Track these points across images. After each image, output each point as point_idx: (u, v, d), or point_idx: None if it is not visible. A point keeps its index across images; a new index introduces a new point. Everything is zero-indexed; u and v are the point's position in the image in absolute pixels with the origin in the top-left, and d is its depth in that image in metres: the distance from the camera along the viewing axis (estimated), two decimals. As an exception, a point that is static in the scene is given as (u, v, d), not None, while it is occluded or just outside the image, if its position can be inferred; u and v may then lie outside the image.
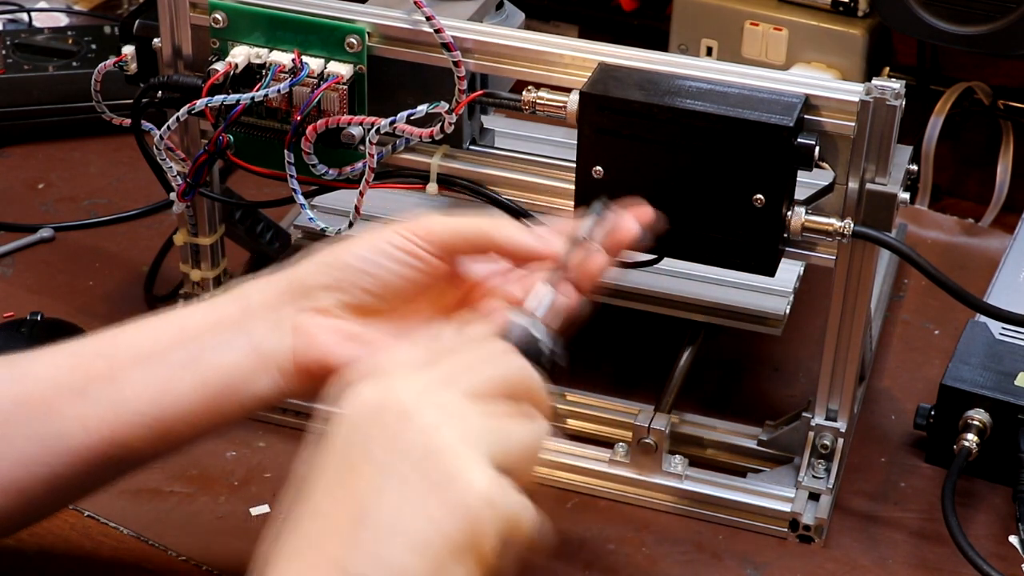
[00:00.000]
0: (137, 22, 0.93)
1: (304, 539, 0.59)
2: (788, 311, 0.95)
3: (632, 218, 0.75)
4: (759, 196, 0.80)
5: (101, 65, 0.93)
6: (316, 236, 0.96)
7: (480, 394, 0.62)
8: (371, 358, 0.65)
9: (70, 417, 0.73)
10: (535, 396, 0.65)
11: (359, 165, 0.88)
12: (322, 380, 0.73)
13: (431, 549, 0.58)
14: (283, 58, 0.87)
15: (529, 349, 0.67)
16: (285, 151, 0.88)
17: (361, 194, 0.88)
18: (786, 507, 0.90)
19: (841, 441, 0.90)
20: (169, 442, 0.75)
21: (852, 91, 0.81)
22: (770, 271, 0.83)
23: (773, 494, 0.90)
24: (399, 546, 0.58)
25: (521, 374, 0.65)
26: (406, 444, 0.60)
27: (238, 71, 0.88)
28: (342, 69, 0.87)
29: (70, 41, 1.32)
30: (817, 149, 0.80)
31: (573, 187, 0.84)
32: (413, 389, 0.62)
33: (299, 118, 0.87)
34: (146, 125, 0.92)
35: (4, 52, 1.30)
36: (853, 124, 0.80)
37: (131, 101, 0.92)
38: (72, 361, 0.75)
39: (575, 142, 0.83)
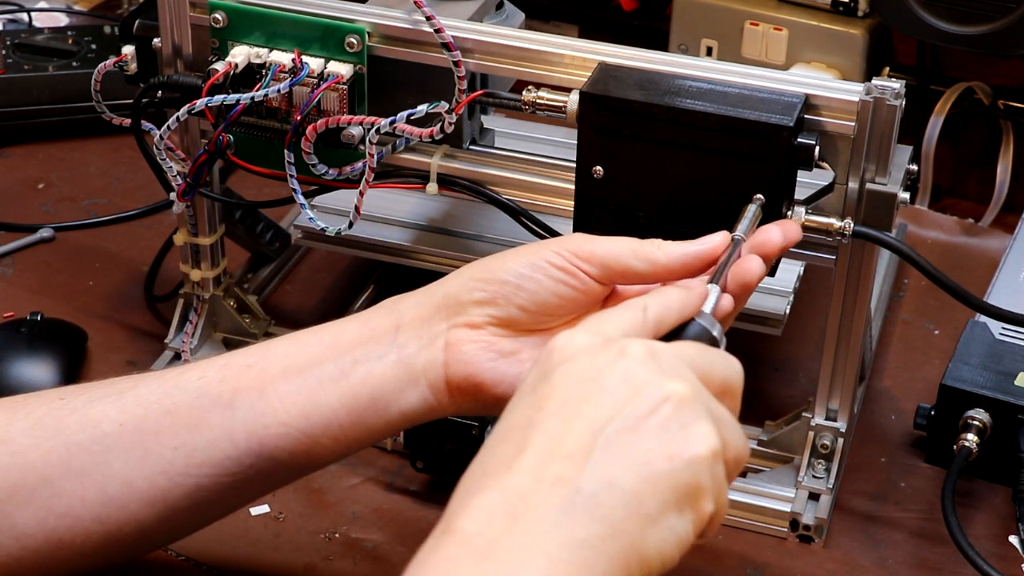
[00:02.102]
0: (137, 22, 0.93)
1: (532, 456, 0.59)
2: (788, 311, 0.95)
3: (778, 231, 0.76)
4: (759, 196, 0.80)
5: (101, 65, 0.93)
6: (316, 236, 0.97)
7: (706, 379, 0.63)
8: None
9: (217, 429, 0.73)
10: (738, 407, 0.66)
11: (359, 165, 0.88)
12: (471, 396, 0.74)
13: (661, 484, 0.59)
14: (283, 58, 0.87)
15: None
16: (285, 151, 0.88)
17: (361, 194, 0.88)
18: (786, 507, 0.90)
19: (841, 441, 0.90)
20: (314, 456, 0.74)
21: (852, 91, 0.81)
22: (770, 271, 0.83)
23: (773, 494, 0.90)
24: (633, 473, 0.59)
25: (738, 378, 0.66)
26: (642, 384, 0.61)
27: (238, 71, 0.88)
28: (342, 69, 0.87)
29: (70, 41, 1.32)
30: (817, 149, 0.80)
31: (573, 187, 0.84)
32: (642, 344, 0.63)
33: (299, 118, 0.87)
34: (146, 125, 0.92)
35: (4, 52, 1.30)
36: (853, 124, 0.81)
37: (131, 101, 0.92)
38: (221, 373, 0.74)
39: (575, 142, 0.83)
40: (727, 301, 0.73)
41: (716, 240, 0.74)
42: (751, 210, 0.77)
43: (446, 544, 0.58)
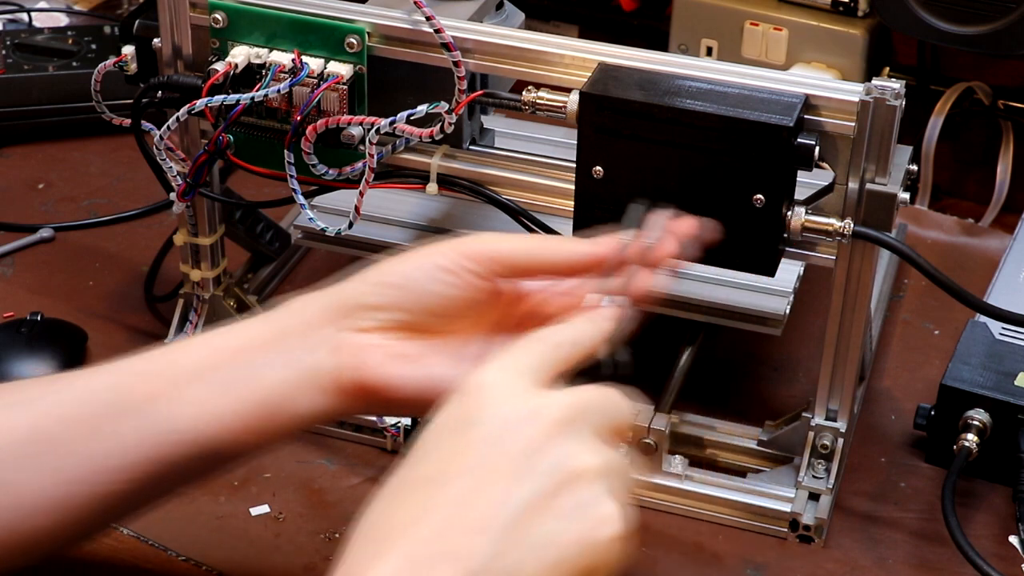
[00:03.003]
0: (137, 22, 0.93)
1: (431, 525, 0.58)
2: (788, 311, 0.95)
3: (672, 238, 0.75)
4: (759, 196, 0.80)
5: (101, 65, 0.93)
6: (316, 236, 0.97)
7: (603, 432, 0.63)
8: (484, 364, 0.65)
9: (118, 435, 0.73)
10: (627, 438, 0.66)
11: (359, 165, 0.88)
12: (363, 399, 0.74)
13: (562, 569, 0.58)
14: (283, 58, 0.87)
15: (593, 368, 0.68)
16: (285, 151, 0.88)
17: (361, 194, 0.88)
18: (786, 507, 0.90)
19: (841, 441, 0.90)
20: (212, 462, 0.74)
21: (852, 91, 0.81)
22: (770, 271, 0.83)
23: (773, 494, 0.90)
24: (536, 560, 0.58)
25: (630, 419, 0.66)
26: (554, 460, 0.60)
27: (238, 71, 0.88)
28: (342, 69, 0.87)
29: (70, 41, 1.32)
30: (817, 149, 0.80)
31: (573, 187, 0.84)
32: (558, 404, 0.62)
33: (299, 118, 0.87)
34: (146, 125, 0.92)
35: (4, 52, 1.30)
36: (853, 124, 0.80)
37: (131, 101, 0.92)
38: (116, 380, 0.74)
39: (575, 142, 0.83)
40: (628, 310, 0.72)
41: (607, 244, 0.74)
42: (636, 210, 0.76)
43: None
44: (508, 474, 0.59)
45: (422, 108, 0.86)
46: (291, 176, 0.88)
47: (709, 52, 1.24)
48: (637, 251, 0.73)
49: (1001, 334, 0.97)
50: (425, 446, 0.62)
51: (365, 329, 0.74)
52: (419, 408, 0.72)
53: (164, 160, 0.91)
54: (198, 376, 0.74)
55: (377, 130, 0.86)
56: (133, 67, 0.94)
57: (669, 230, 0.75)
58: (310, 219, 0.89)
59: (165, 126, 0.89)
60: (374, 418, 0.95)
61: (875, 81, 0.80)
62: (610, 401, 0.65)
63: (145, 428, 0.73)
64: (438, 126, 0.87)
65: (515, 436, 0.60)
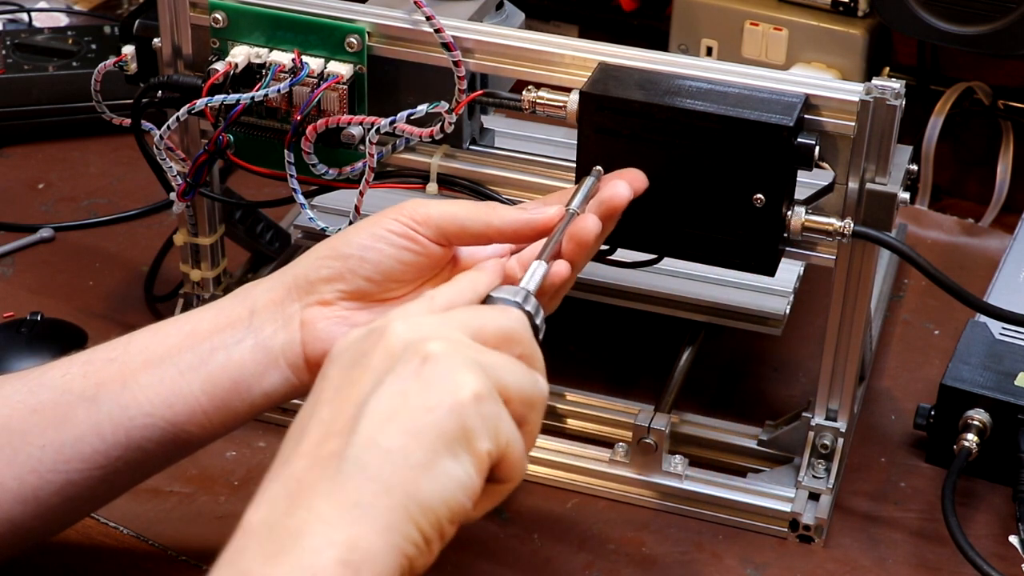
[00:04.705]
0: (137, 22, 0.93)
1: (306, 444, 0.62)
2: (788, 311, 0.95)
3: (624, 183, 0.78)
4: (759, 196, 0.80)
5: (101, 65, 0.93)
6: (316, 236, 0.96)
7: (478, 335, 0.65)
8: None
9: (83, 424, 0.74)
10: (532, 353, 0.67)
11: (359, 165, 0.88)
12: None
13: (424, 435, 0.61)
14: (283, 58, 0.87)
15: None
16: (285, 151, 0.88)
17: (361, 194, 0.88)
18: (786, 507, 0.90)
19: (841, 441, 0.90)
20: (181, 444, 0.76)
21: (852, 91, 0.81)
22: (770, 271, 0.83)
23: (773, 494, 0.90)
24: (394, 430, 0.61)
25: (518, 326, 0.67)
26: (404, 352, 0.63)
27: (238, 71, 0.88)
28: (342, 69, 0.87)
29: (70, 41, 1.32)
30: (817, 149, 0.80)
31: (573, 187, 0.84)
32: (412, 319, 0.65)
33: (299, 118, 0.87)
34: (146, 125, 0.92)
35: (4, 52, 1.30)
36: (853, 124, 0.80)
37: (131, 101, 0.92)
38: (84, 368, 0.76)
39: (575, 142, 0.83)
40: (559, 267, 0.75)
41: (550, 211, 0.76)
42: (588, 182, 0.78)
43: (235, 539, 0.60)
44: (366, 379, 0.63)
45: (422, 108, 0.86)
46: (291, 176, 0.88)
47: (709, 52, 1.24)
48: (567, 221, 0.75)
49: (1001, 334, 0.97)
50: (320, 379, 0.65)
51: (327, 302, 0.76)
52: None
53: (164, 160, 0.91)
54: (168, 359, 0.75)
55: (377, 130, 0.86)
56: (133, 67, 0.94)
57: (602, 203, 0.77)
58: (310, 219, 0.89)
59: (165, 126, 0.89)
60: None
61: (875, 81, 0.80)
62: (483, 311, 0.67)
63: (116, 413, 0.74)
64: (438, 126, 0.87)
65: (369, 351, 0.64)
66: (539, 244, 0.76)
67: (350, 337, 0.66)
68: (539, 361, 0.67)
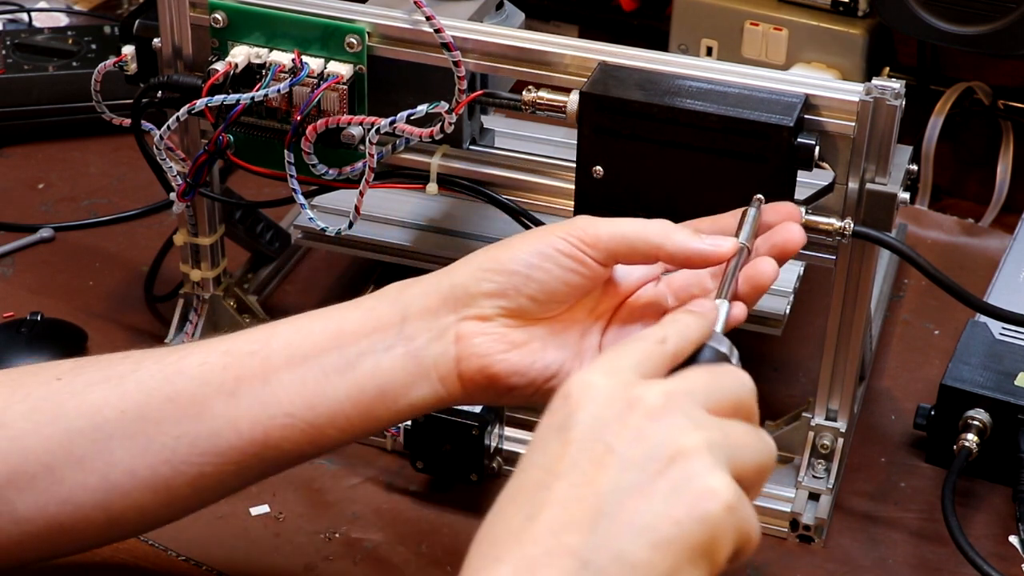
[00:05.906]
0: (137, 22, 0.93)
1: (542, 525, 0.58)
2: (788, 311, 0.95)
3: (797, 227, 0.75)
4: (759, 196, 0.80)
5: (101, 65, 0.93)
6: (316, 236, 0.97)
7: (717, 409, 0.61)
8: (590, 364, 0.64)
9: (221, 418, 0.72)
10: (754, 411, 0.64)
11: (359, 165, 0.88)
12: (483, 387, 0.73)
13: (671, 549, 0.57)
14: (283, 58, 0.87)
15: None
16: (285, 151, 0.88)
17: (361, 194, 0.88)
18: (786, 507, 0.90)
19: (841, 441, 0.90)
20: (318, 445, 0.74)
21: (852, 91, 0.81)
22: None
23: (773, 494, 0.90)
24: (641, 543, 0.57)
25: (751, 394, 0.64)
26: (653, 444, 0.59)
27: (238, 71, 0.88)
28: (342, 69, 0.87)
29: (70, 41, 1.32)
30: (817, 149, 0.80)
31: (573, 187, 0.84)
32: (657, 391, 0.61)
33: (299, 118, 0.87)
34: (146, 125, 0.92)
35: (4, 52, 1.30)
36: (853, 124, 0.81)
37: (131, 101, 0.92)
38: (224, 360, 0.74)
39: (575, 142, 0.83)
40: (739, 311, 0.72)
41: (725, 247, 0.73)
42: (751, 214, 0.75)
43: None
44: (611, 465, 0.59)
45: (422, 108, 0.86)
46: (291, 176, 0.88)
47: (709, 52, 1.24)
48: (740, 257, 0.73)
49: (1001, 334, 0.97)
50: (533, 449, 0.61)
51: (486, 317, 0.73)
52: (531, 397, 0.72)
53: (164, 160, 0.91)
54: (312, 358, 0.73)
55: (377, 130, 0.86)
56: (133, 67, 0.94)
57: (774, 246, 0.75)
58: (310, 219, 0.89)
59: (165, 126, 0.89)
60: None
61: (875, 81, 0.80)
62: (720, 376, 0.64)
63: (256, 410, 0.72)
64: (438, 126, 0.87)
65: (616, 428, 0.60)
66: (687, 272, 0.74)
67: (594, 388, 0.61)
68: (757, 416, 0.64)
